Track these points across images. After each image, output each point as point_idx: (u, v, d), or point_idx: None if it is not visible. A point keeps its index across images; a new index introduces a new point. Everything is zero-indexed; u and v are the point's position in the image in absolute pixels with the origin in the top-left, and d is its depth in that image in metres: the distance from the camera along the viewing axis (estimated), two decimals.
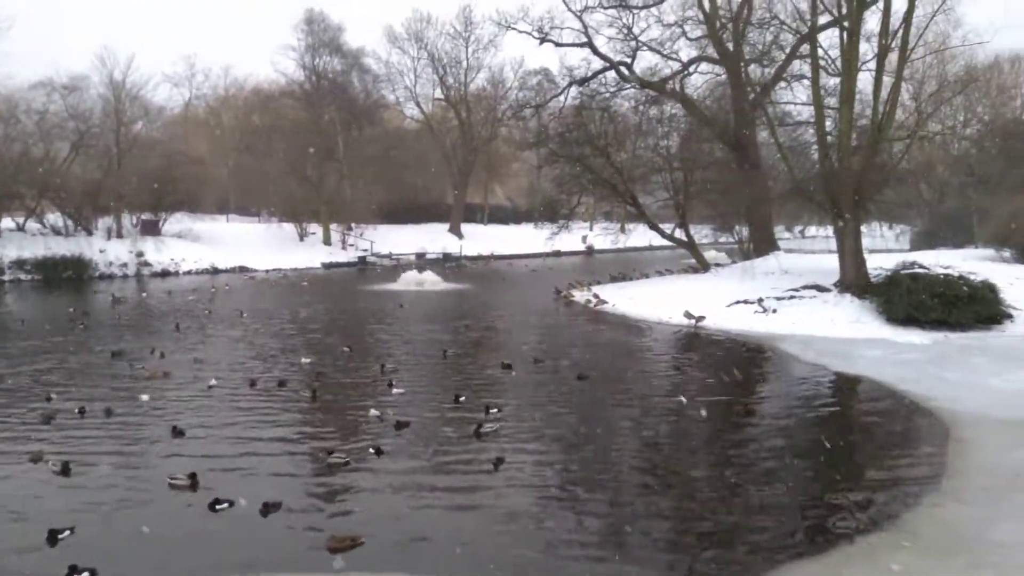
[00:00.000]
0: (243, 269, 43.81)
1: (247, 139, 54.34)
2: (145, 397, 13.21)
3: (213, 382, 14.37)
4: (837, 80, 25.94)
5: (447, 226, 64.21)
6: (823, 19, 26.28)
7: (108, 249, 41.95)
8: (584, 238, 60.25)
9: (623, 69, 34.72)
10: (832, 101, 26.67)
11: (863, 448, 11.11)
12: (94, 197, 43.68)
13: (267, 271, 43.79)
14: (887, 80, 23.66)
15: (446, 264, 50.68)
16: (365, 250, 53.13)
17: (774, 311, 22.60)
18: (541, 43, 36.64)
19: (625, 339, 20.76)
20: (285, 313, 25.50)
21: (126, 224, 46.61)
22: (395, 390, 13.80)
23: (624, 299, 27.19)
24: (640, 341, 20.64)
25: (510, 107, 51.12)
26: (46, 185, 42.08)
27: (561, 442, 11.08)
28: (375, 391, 14.00)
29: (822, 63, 26.25)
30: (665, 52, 35.08)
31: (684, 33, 34.49)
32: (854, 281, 22.88)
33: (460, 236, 62.42)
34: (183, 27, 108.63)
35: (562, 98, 37.55)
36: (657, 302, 25.26)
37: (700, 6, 32.60)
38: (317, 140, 52.70)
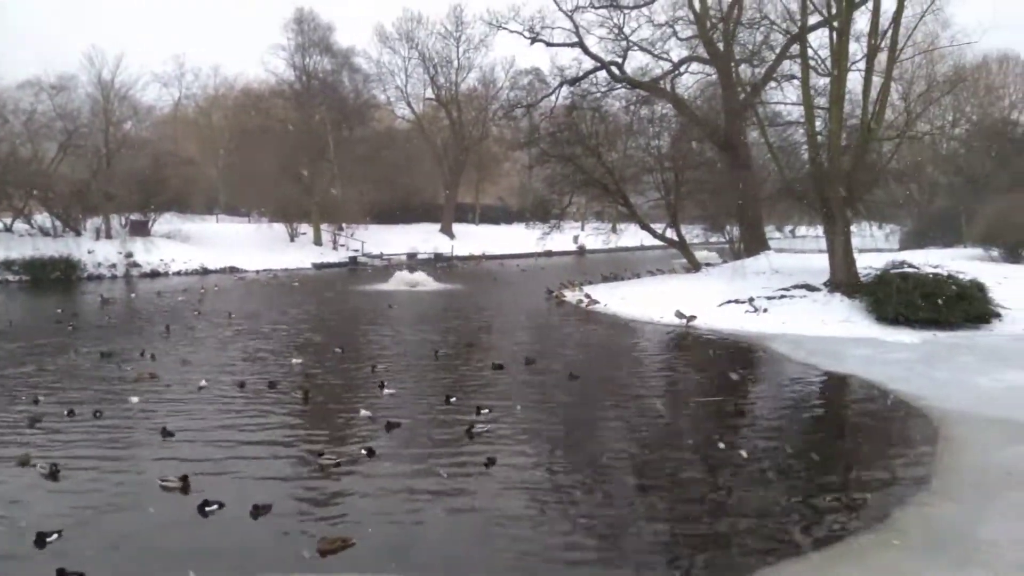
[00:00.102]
0: (233, 270, 43.60)
1: (237, 139, 54.12)
2: (135, 399, 13.12)
3: (203, 383, 14.29)
4: (827, 80, 26.06)
5: (438, 226, 64.15)
6: (813, 19, 26.43)
7: (97, 250, 41.69)
8: (575, 238, 60.27)
9: (614, 69, 34.76)
10: (822, 101, 26.82)
11: (853, 447, 11.14)
12: (82, 197, 43.41)
13: (257, 272, 43.61)
14: (876, 80, 23.79)
15: (437, 264, 50.64)
16: (356, 250, 52.98)
17: (765, 311, 22.67)
18: (532, 43, 36.63)
19: (617, 339, 20.77)
20: (275, 314, 25.39)
21: (115, 224, 46.33)
22: (386, 391, 13.75)
23: (615, 299, 27.22)
24: (631, 341, 20.66)
25: (501, 107, 51.05)
26: (34, 185, 41.76)
27: (553, 443, 11.07)
28: (366, 392, 13.95)
29: (812, 63, 26.38)
30: (656, 52, 35.19)
31: (675, 33, 34.60)
32: (844, 280, 22.98)
33: (451, 236, 62.35)
34: (172, 26, 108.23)
35: (553, 98, 37.57)
36: (648, 302, 25.29)
37: (691, 6, 32.67)
38: (307, 140, 52.54)
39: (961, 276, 20.77)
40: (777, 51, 32.11)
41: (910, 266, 21.97)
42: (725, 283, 26.80)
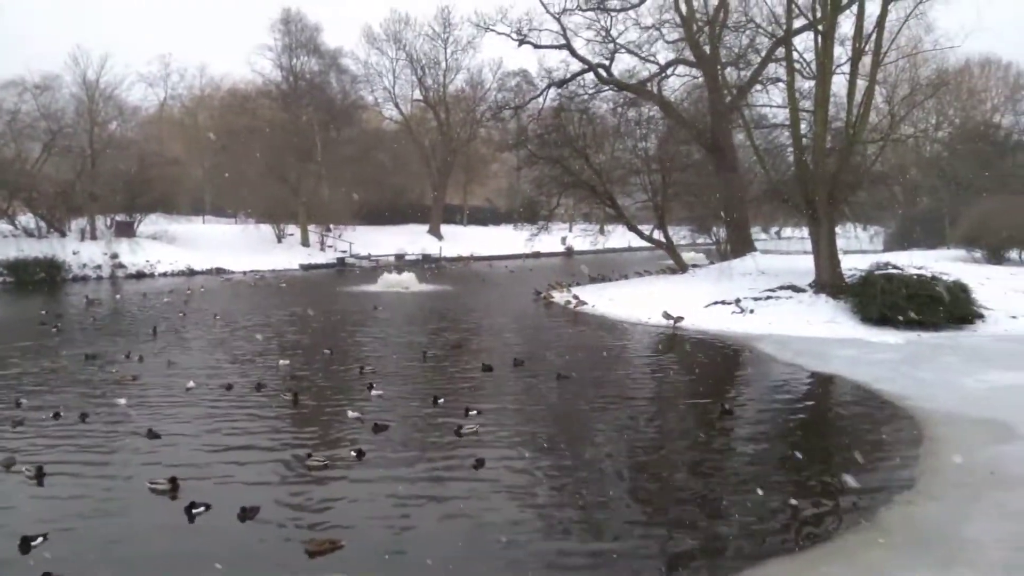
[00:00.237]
0: (220, 271, 43.38)
1: (223, 139, 53.87)
2: (122, 401, 13.02)
3: (191, 384, 14.22)
4: (812, 83, 26.22)
5: (427, 227, 64.08)
6: (798, 23, 26.60)
7: (82, 251, 41.35)
8: (563, 239, 60.35)
9: (601, 71, 34.86)
10: (807, 104, 26.98)
11: (838, 447, 11.22)
12: (67, 198, 43.06)
13: (244, 273, 43.40)
14: (861, 83, 24.02)
15: (425, 265, 50.57)
16: (344, 251, 52.84)
17: (751, 311, 22.81)
18: (520, 45, 36.68)
19: (605, 340, 20.82)
20: (262, 315, 25.28)
21: (100, 225, 45.99)
22: (374, 392, 13.72)
23: (603, 300, 27.30)
24: (619, 342, 20.72)
25: (489, 108, 51.07)
26: (18, 186, 41.39)
27: (541, 444, 11.08)
28: (354, 394, 13.92)
29: (797, 66, 26.56)
30: (643, 54, 35.32)
31: (661, 36, 34.77)
32: (829, 282, 23.16)
33: (440, 237, 62.31)
34: (158, 26, 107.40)
35: (541, 100, 37.74)
36: (636, 303, 25.38)
37: (677, 9, 32.83)
38: (295, 141, 52.34)
39: (945, 277, 21.00)
40: (763, 54, 32.33)
41: (894, 267, 22.20)
42: (712, 284, 26.95)
